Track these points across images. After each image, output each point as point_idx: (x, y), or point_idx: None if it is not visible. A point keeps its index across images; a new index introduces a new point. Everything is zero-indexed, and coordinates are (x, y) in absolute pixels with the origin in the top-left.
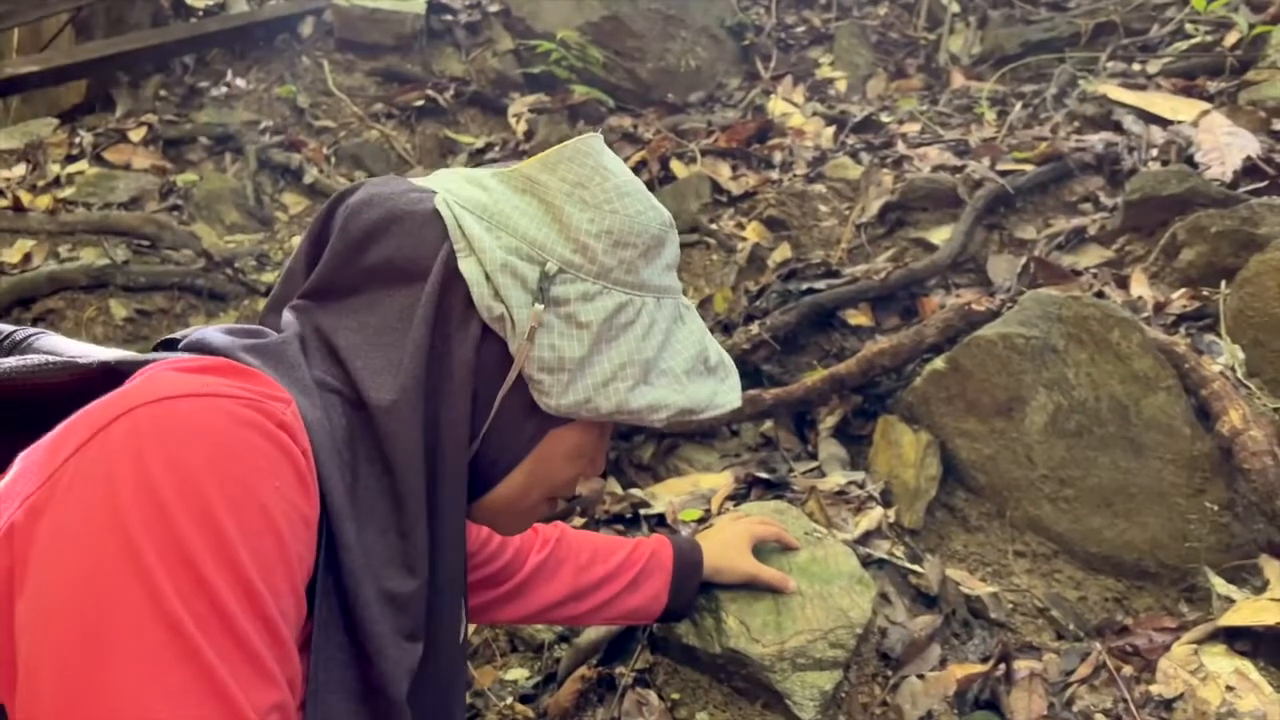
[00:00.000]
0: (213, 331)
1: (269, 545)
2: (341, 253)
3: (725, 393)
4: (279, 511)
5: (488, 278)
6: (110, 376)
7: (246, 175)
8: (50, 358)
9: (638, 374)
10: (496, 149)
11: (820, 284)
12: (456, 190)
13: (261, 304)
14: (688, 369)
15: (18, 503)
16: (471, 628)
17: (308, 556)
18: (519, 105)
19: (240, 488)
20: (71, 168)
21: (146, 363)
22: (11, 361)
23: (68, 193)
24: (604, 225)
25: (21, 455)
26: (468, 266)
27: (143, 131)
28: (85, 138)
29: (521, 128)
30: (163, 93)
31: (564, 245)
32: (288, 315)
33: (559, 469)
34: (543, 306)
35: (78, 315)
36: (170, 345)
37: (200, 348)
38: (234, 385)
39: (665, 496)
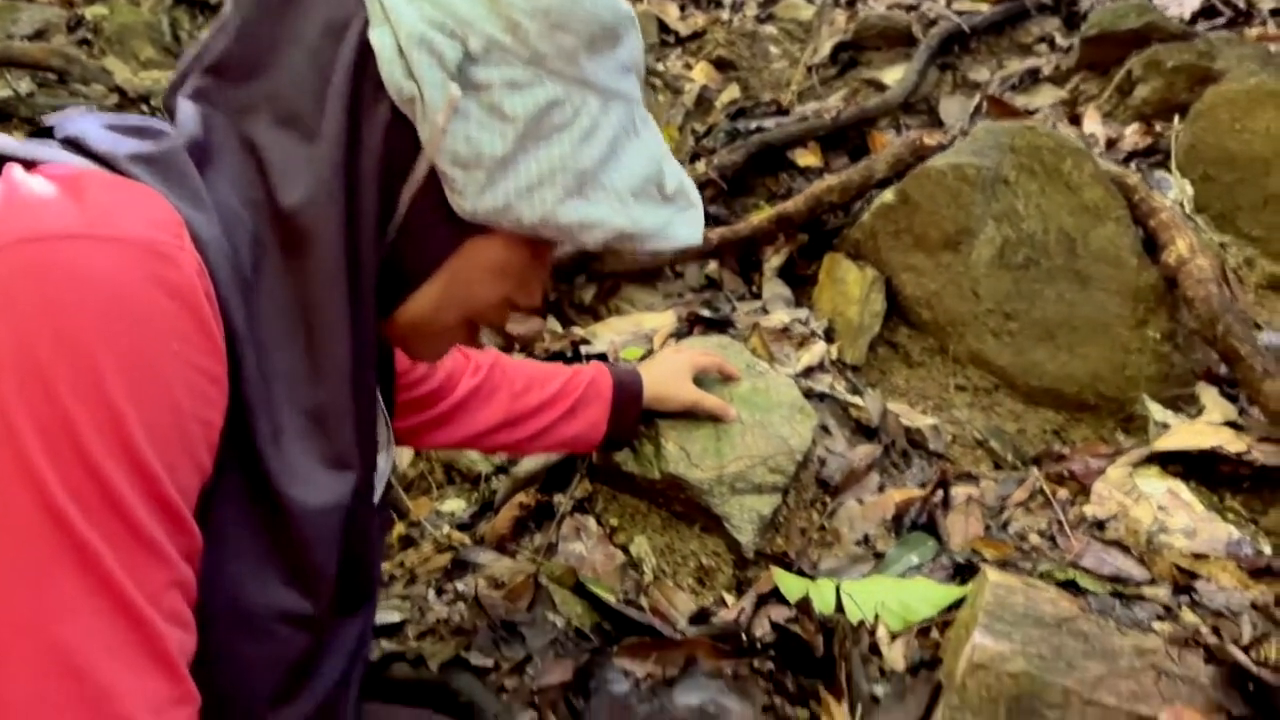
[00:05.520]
0: (93, 125)
1: (165, 419)
2: (254, 20)
3: (681, 225)
4: (177, 378)
5: (400, 52)
6: None
7: (161, 9)
8: None
9: (570, 184)
10: None
11: (769, 123)
12: None
13: None
14: (635, 189)
15: None
16: (407, 459)
17: (215, 418)
18: None
19: (133, 355)
20: None
21: (15, 158)
22: None
23: None
24: (541, 3)
25: None
26: (378, 37)
27: None
28: None
29: None
30: None
31: (492, 22)
32: (187, 106)
33: (480, 288)
34: (460, 90)
35: None
36: (45, 133)
37: (78, 147)
38: (120, 216)
39: (606, 335)
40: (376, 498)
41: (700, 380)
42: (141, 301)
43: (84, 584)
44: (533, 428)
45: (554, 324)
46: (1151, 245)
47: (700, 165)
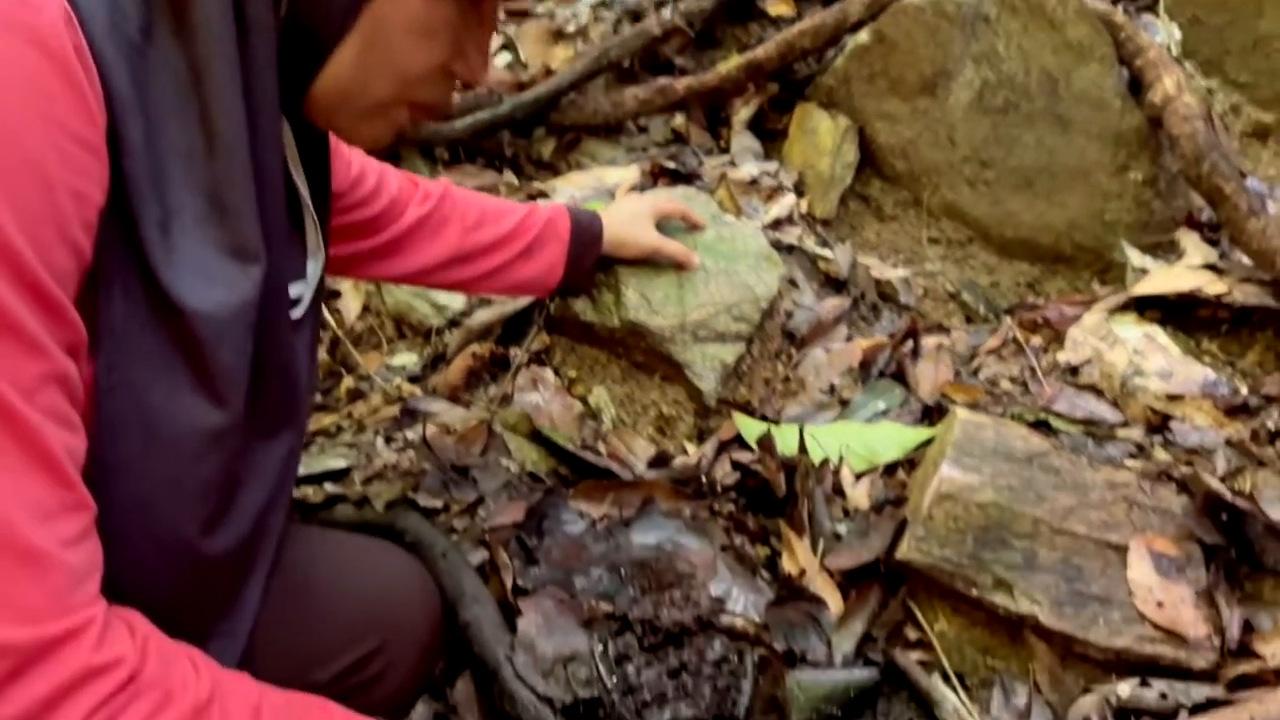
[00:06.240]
0: None
1: (29, 190)
2: None
3: None
4: (39, 137)
5: None
6: None
7: None
8: None
9: None
10: None
11: None
12: None
13: None
14: None
15: None
16: (355, 313)
17: (93, 192)
18: None
19: None
20: None
21: None
22: None
23: None
24: None
25: None
26: None
27: None
28: None
29: None
30: None
31: None
32: None
33: (405, 51)
34: None
35: None
36: None
37: None
38: None
39: (566, 190)
40: (303, 308)
41: (663, 227)
42: None
43: None
44: (485, 266)
45: (510, 178)
46: (1137, 87)
47: (667, 11)
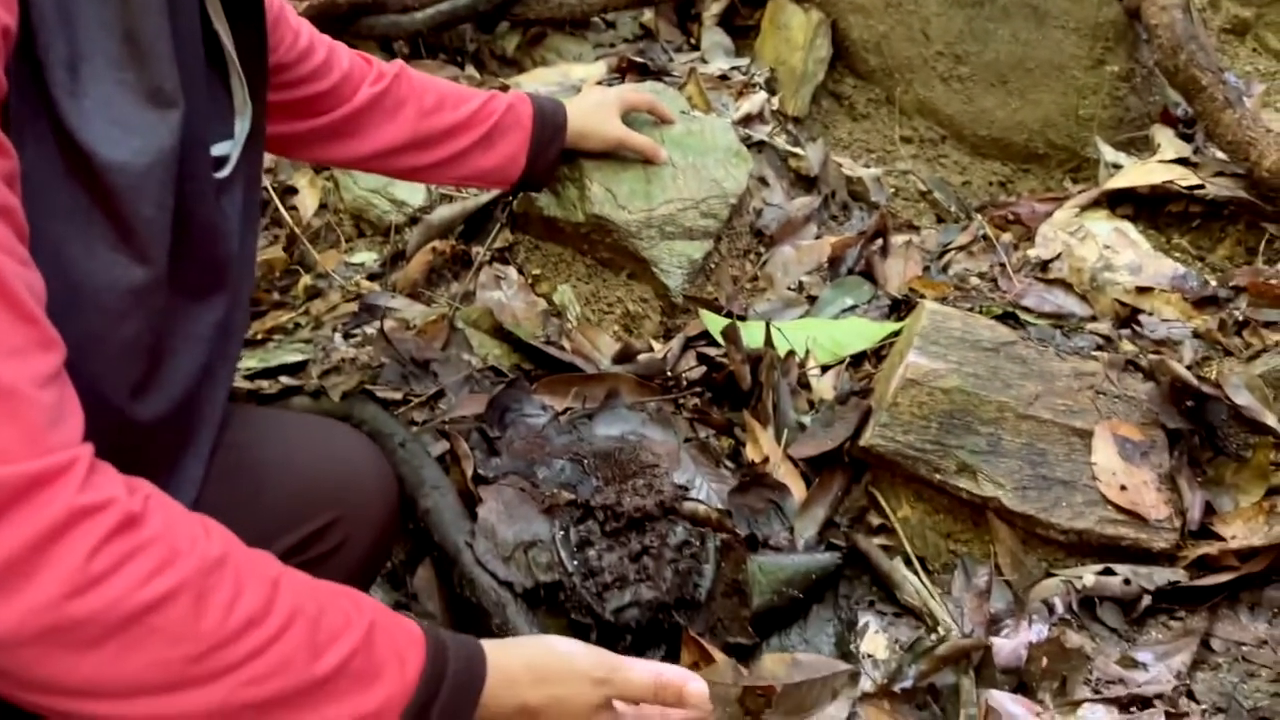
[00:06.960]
0: None
1: None
2: None
3: None
4: None
5: None
6: None
7: None
8: None
9: None
10: None
11: None
12: None
13: None
14: None
15: None
16: (311, 209)
17: (7, 17)
18: None
19: None
20: None
21: None
22: None
23: None
24: None
25: None
26: None
27: None
28: None
29: None
30: None
31: None
32: None
33: None
34: None
35: None
36: None
37: None
38: None
39: (530, 87)
40: (230, 167)
41: (630, 121)
42: None
43: None
44: (443, 153)
45: (473, 73)
46: None
47: None
